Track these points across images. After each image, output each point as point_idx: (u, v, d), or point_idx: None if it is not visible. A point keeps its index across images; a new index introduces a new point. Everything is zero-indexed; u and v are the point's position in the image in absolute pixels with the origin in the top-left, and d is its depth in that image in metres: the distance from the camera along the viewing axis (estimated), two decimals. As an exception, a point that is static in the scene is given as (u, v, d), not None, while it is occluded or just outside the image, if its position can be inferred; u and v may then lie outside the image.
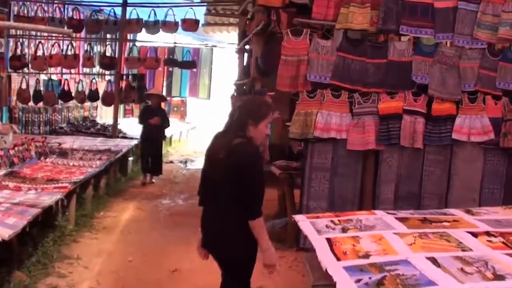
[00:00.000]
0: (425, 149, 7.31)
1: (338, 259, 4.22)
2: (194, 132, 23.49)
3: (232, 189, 4.04)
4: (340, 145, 7.22)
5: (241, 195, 3.99)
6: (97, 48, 16.97)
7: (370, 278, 3.77)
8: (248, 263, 4.25)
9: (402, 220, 5.29)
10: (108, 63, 14.42)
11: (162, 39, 16.11)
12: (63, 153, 10.96)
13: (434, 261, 4.06)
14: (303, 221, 5.28)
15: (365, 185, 7.36)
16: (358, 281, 3.73)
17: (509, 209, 5.87)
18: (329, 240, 4.62)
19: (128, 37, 16.02)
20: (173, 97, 19.83)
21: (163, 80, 17.80)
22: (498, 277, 3.73)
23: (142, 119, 12.83)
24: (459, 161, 7.36)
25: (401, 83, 7.23)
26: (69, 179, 8.56)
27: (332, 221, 5.25)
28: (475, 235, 4.76)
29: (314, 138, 7.18)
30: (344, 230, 4.99)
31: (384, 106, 7.19)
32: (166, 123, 13.12)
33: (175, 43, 15.87)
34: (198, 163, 15.94)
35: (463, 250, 4.35)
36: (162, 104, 14.30)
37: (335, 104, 7.11)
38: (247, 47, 12.40)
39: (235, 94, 13.16)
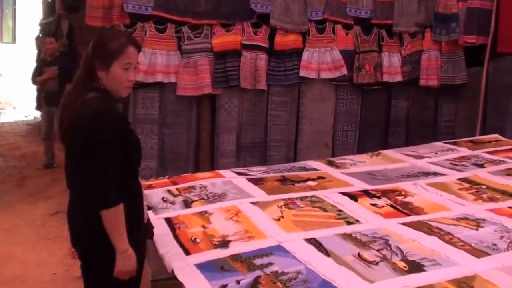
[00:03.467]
0: (269, 90, 6.36)
1: (187, 251, 3.08)
2: (-1, 81, 20.99)
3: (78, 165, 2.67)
4: (168, 90, 6.02)
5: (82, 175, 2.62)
6: None
7: (238, 282, 2.67)
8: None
9: (257, 182, 4.35)
10: None
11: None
12: None
13: (318, 245, 3.06)
14: (130, 195, 4.06)
15: (201, 136, 6.27)
16: (222, 289, 2.56)
17: (376, 157, 5.15)
18: (169, 222, 3.52)
19: None
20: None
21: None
22: (413, 265, 2.78)
23: None
24: (309, 102, 6.50)
25: (238, 13, 6.10)
26: None
27: (169, 191, 4.15)
28: (353, 197, 3.88)
29: (136, 83, 5.76)
30: (187, 203, 3.89)
31: (219, 41, 6.06)
32: None
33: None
34: (5, 116, 13.98)
35: (349, 223, 3.42)
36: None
37: (160, 40, 5.90)
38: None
39: (40, 35, 11.60)
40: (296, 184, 4.22)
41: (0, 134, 11.85)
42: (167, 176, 4.72)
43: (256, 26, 6.18)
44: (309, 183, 4.27)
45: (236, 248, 3.05)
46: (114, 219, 2.61)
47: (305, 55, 6.33)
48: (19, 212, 6.44)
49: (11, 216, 6.35)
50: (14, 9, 16.52)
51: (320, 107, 6.50)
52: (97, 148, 2.59)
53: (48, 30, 10.49)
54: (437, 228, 3.23)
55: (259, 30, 6.18)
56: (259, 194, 3.98)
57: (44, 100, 8.43)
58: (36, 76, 8.34)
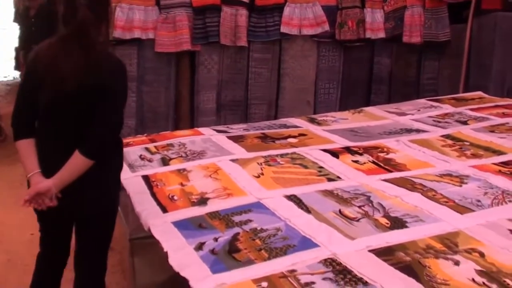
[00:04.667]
0: (250, 47, 6.22)
1: (164, 209, 2.99)
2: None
3: (88, 116, 2.65)
4: (146, 46, 5.90)
5: (94, 123, 2.63)
6: None
7: (215, 239, 2.60)
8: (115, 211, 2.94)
9: (237, 139, 4.23)
10: None
11: None
12: None
13: (298, 202, 2.97)
14: (108, 152, 3.97)
15: (181, 94, 6.15)
16: (199, 246, 2.55)
17: (358, 114, 5.07)
18: (146, 179, 3.42)
19: None
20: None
21: None
22: (395, 221, 2.71)
23: None
24: (290, 59, 6.37)
25: (217, -34, 6.00)
26: None
27: (147, 149, 4.04)
28: (334, 154, 3.79)
29: (114, 39, 5.73)
30: (164, 161, 3.79)
31: (198, -4, 5.96)
32: None
33: None
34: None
35: (330, 180, 3.33)
36: None
37: (138, -5, 5.80)
38: None
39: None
40: (277, 141, 4.12)
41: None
42: (145, 134, 4.62)
43: (237, -19, 6.00)
44: (290, 140, 4.17)
45: (214, 205, 2.96)
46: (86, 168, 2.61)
47: (286, 10, 6.16)
48: (-4, 174, 6.33)
49: (-12, 177, 6.25)
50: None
51: (302, 64, 6.37)
52: (124, 98, 2.73)
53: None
54: (420, 184, 3.16)
55: (240, -16, 6.01)
56: (239, 151, 3.88)
57: None
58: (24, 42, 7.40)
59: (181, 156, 3.82)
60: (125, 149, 3.93)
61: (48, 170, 2.67)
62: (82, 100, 2.60)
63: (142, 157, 3.82)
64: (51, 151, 2.72)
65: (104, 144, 2.66)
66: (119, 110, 2.68)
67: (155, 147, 4.05)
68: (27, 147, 2.76)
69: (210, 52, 6.03)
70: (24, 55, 9.31)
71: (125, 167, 3.62)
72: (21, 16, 7.72)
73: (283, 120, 4.95)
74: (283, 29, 6.17)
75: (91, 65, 2.57)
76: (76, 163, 2.60)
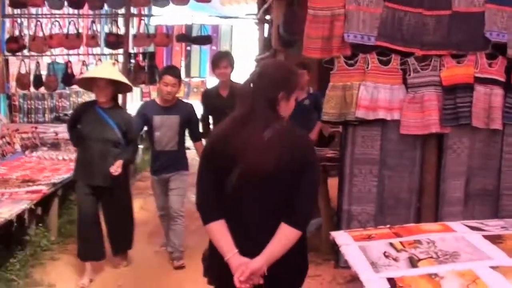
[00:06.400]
0: (505, 130, 5.63)
1: (415, 324, 2.55)
2: (216, 114, 21.93)
3: (286, 191, 2.86)
4: (391, 128, 5.55)
5: (294, 198, 2.84)
6: (106, 26, 15.32)
7: None
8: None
9: (494, 240, 3.68)
10: (114, 41, 12.68)
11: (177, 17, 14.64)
12: (55, 145, 9.63)
13: None
14: (348, 246, 3.75)
15: (426, 180, 5.67)
16: None
17: None
18: (393, 283, 3.05)
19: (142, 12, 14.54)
20: (193, 77, 18.13)
21: (181, 60, 16.22)
22: None
23: (73, 137, 6.07)
24: (551, 145, 5.66)
25: (471, 42, 5.48)
26: (49, 179, 7.02)
27: (392, 245, 3.65)
28: None
29: (356, 119, 5.53)
30: (412, 261, 3.37)
31: (449, 74, 5.47)
32: (129, 154, 5.95)
33: (192, 16, 14.20)
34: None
35: None
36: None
37: (384, 73, 5.47)
38: (267, 17, 10.81)
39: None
40: (542, 245, 3.53)
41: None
42: (387, 226, 4.24)
43: (492, 57, 5.53)
44: (557, 244, 3.56)
45: (476, 326, 2.49)
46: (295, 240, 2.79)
47: (546, 90, 5.51)
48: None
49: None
50: (231, 45, 17.15)
51: None
52: (317, 169, 2.94)
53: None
54: None
55: (495, 61, 5.52)
56: (499, 255, 3.35)
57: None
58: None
59: (431, 257, 3.38)
60: (366, 243, 3.67)
61: (245, 249, 2.76)
62: (276, 178, 2.76)
63: (386, 255, 3.46)
64: (245, 229, 2.80)
65: (308, 214, 2.86)
66: (316, 179, 2.90)
67: (401, 243, 3.65)
68: (219, 229, 2.84)
69: (460, 134, 5.54)
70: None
71: (367, 265, 3.34)
72: (210, 97, 7.28)
73: (544, 218, 4.31)
74: (542, 111, 5.51)
75: (281, 145, 2.74)
76: (285, 236, 2.75)
